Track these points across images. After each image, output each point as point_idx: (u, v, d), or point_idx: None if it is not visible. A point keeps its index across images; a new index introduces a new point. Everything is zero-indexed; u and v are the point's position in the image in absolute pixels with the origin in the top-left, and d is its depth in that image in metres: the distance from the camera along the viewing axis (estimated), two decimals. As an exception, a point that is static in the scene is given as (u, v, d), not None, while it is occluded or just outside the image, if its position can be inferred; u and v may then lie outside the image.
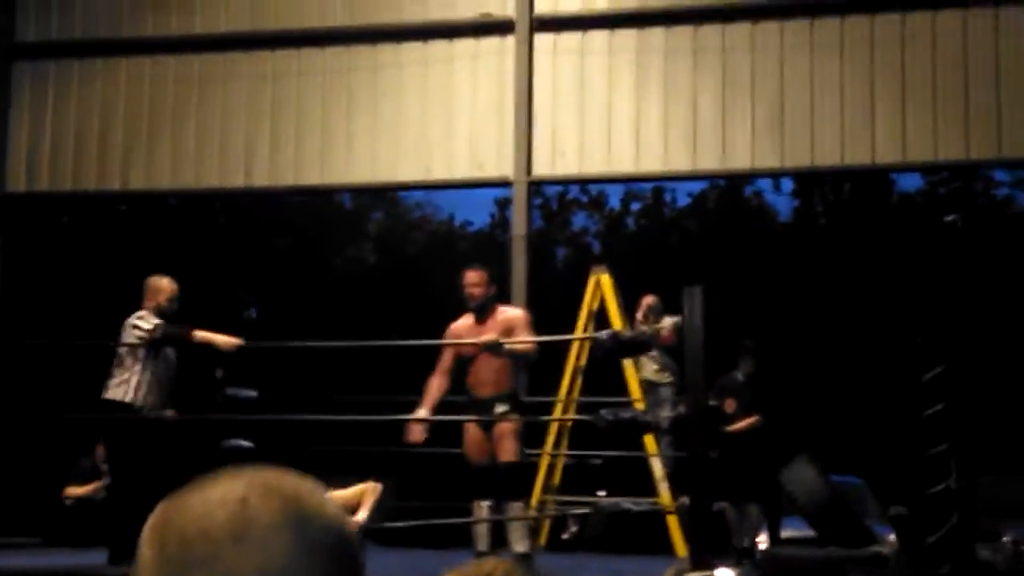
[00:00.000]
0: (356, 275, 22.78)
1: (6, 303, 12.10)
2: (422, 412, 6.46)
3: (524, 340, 6.42)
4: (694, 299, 5.93)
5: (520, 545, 6.39)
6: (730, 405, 8.89)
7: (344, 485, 6.86)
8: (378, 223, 23.88)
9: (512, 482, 6.44)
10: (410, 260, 22.15)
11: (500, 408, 6.40)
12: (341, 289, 21.24)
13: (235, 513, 0.95)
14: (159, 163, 11.83)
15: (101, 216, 18.46)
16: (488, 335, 6.38)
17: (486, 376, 6.43)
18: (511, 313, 6.61)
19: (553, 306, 12.56)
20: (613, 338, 6.35)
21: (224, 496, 0.96)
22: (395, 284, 20.87)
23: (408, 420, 6.51)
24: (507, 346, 6.34)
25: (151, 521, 0.99)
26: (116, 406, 6.70)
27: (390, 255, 23.16)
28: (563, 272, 20.36)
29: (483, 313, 6.50)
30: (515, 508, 6.42)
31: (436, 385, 6.55)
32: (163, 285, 7.00)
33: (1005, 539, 10.09)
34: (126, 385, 6.73)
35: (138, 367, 6.76)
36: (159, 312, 6.89)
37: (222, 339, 6.73)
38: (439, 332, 6.79)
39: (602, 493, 12.33)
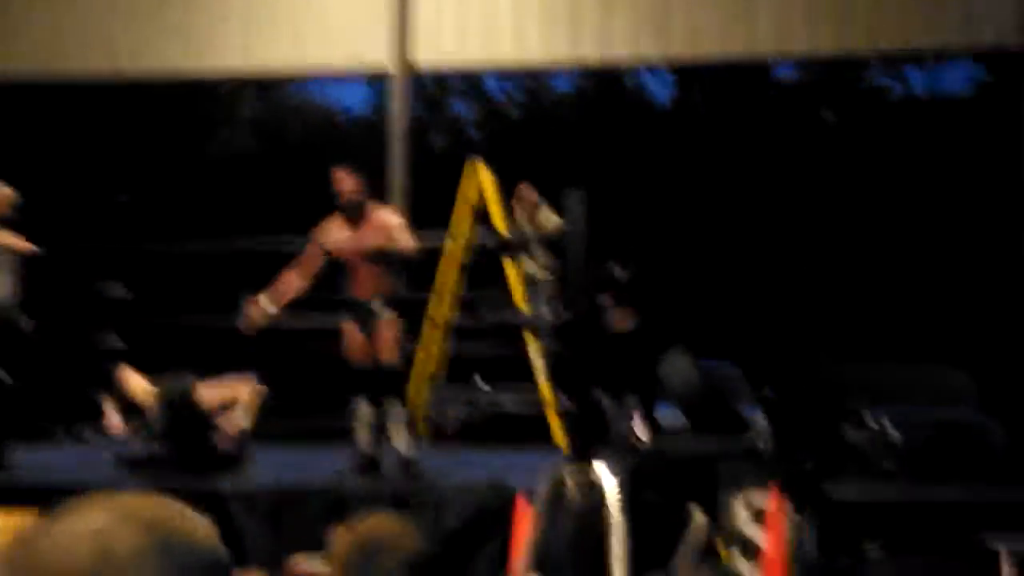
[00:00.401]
0: (230, 160, 22.27)
1: None
2: (270, 306, 6.36)
3: (404, 241, 6.37)
4: (575, 203, 5.91)
5: (402, 444, 6.42)
6: (609, 304, 8.95)
7: (220, 375, 6.79)
8: (254, 108, 23.28)
9: (391, 382, 6.45)
10: (287, 147, 21.70)
11: (380, 309, 6.37)
12: (216, 175, 20.76)
13: (96, 546, 0.89)
14: (19, 48, 11.28)
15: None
16: (368, 237, 6.31)
17: (366, 279, 6.37)
18: (386, 216, 6.52)
19: (431, 195, 12.47)
20: (494, 243, 6.32)
21: (83, 528, 0.90)
22: (271, 170, 20.46)
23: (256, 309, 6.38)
24: (388, 249, 6.29)
25: (9, 559, 0.92)
26: None
27: (267, 141, 22.65)
28: (441, 160, 20.18)
29: (356, 214, 6.40)
30: (395, 407, 6.44)
31: (292, 283, 6.45)
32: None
33: (869, 421, 10.49)
34: None
35: None
36: None
37: (20, 244, 6.71)
38: (314, 222, 6.68)
39: (480, 380, 12.42)
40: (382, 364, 6.38)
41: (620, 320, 8.77)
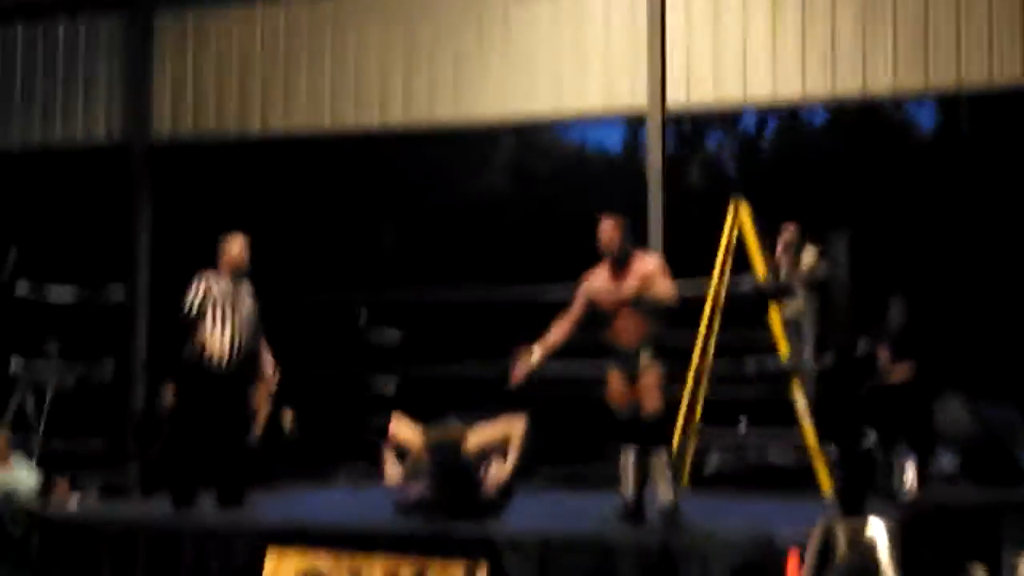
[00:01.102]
0: (487, 202, 22.86)
1: (157, 251, 12.48)
2: (536, 353, 6.50)
3: (663, 289, 6.41)
4: (839, 246, 5.81)
5: (665, 493, 6.43)
6: (883, 354, 8.60)
7: (488, 419, 6.97)
8: (509, 148, 23.84)
9: (656, 431, 6.47)
10: (542, 186, 22.10)
11: (643, 357, 6.42)
12: (473, 215, 21.35)
13: None
14: (296, 106, 12.03)
15: (242, 161, 18.84)
16: (627, 286, 6.39)
17: (628, 326, 6.44)
18: (647, 262, 6.58)
19: (689, 234, 12.42)
20: (757, 290, 6.26)
21: None
22: (528, 211, 20.88)
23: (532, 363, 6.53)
24: (647, 296, 6.34)
25: None
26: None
27: (523, 183, 23.13)
28: (698, 196, 20.08)
29: (619, 261, 6.49)
30: (659, 456, 6.45)
31: (560, 331, 6.58)
32: (231, 243, 7.31)
33: None
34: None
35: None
36: (229, 268, 7.24)
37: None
38: (574, 265, 6.82)
39: (743, 422, 12.22)
40: (646, 412, 6.41)
41: (898, 372, 8.41)
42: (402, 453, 7.06)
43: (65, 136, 12.73)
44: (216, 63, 12.28)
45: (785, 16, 10.69)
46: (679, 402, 9.40)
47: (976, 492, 7.90)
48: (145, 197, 12.48)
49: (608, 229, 6.51)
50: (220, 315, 7.14)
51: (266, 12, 12.19)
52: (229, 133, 12.31)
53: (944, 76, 10.34)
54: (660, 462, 6.44)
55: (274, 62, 12.13)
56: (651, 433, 6.43)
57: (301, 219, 19.09)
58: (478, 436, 6.82)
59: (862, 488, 6.14)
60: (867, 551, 5.44)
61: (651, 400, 6.40)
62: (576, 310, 6.61)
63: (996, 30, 10.18)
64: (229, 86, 12.23)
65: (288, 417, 9.51)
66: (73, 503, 9.24)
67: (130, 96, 12.46)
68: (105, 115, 12.58)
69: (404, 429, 6.99)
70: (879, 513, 5.89)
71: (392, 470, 7.04)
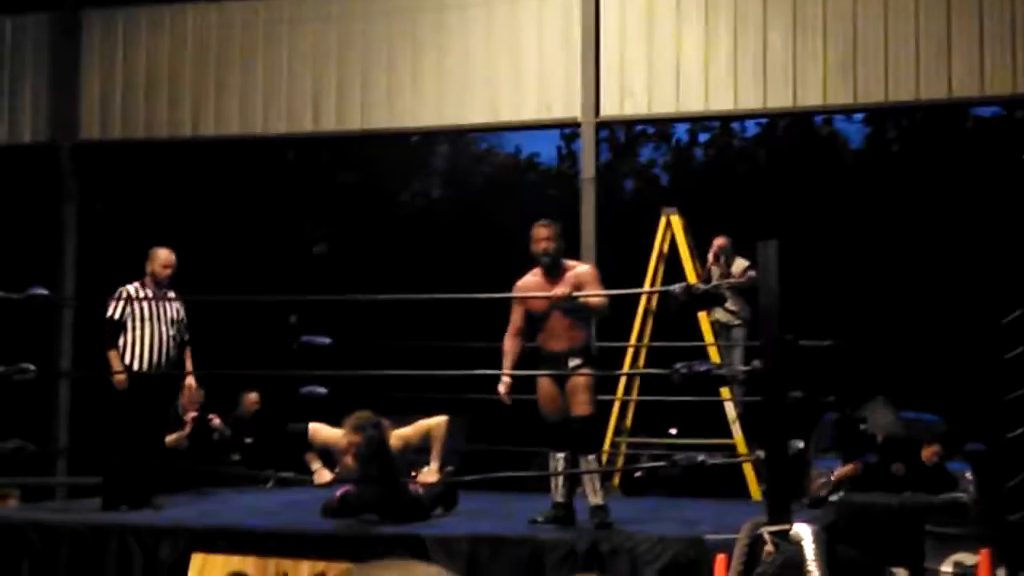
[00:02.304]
0: (422, 209, 22.85)
1: (83, 252, 12.30)
2: (505, 377, 6.53)
3: (596, 294, 6.42)
4: (769, 253, 5.86)
5: (595, 497, 6.45)
6: None
7: (408, 422, 6.98)
8: (444, 157, 23.86)
9: (585, 435, 6.48)
10: (477, 194, 22.14)
11: (573, 362, 6.42)
12: (408, 223, 21.33)
13: None
14: (227, 110, 11.91)
15: (169, 162, 18.64)
16: (559, 292, 6.38)
17: (558, 331, 6.45)
18: (581, 269, 6.59)
19: (621, 243, 12.52)
20: (687, 291, 6.30)
21: None
22: (462, 218, 20.89)
23: (488, 374, 6.56)
24: (580, 300, 6.35)
25: None
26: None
27: (456, 189, 23.16)
28: (631, 206, 20.23)
29: (554, 270, 6.51)
30: (588, 461, 6.47)
31: (511, 346, 6.60)
32: (158, 255, 7.38)
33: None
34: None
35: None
36: (154, 279, 7.33)
37: (118, 376, 7.17)
38: (506, 272, 6.82)
39: (674, 431, 12.35)
40: (574, 416, 6.42)
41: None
42: (329, 456, 7.03)
43: (-9, 135, 12.51)
44: (146, 63, 12.13)
45: (718, 30, 10.81)
46: (610, 408, 9.46)
47: (902, 497, 8.05)
48: (72, 197, 12.28)
49: (542, 234, 6.51)
50: (142, 324, 7.25)
51: (197, 12, 12.06)
52: (159, 135, 12.16)
53: (873, 91, 10.52)
54: (588, 466, 6.45)
55: (205, 63, 12.00)
56: (579, 438, 6.44)
57: (232, 221, 18.95)
58: (401, 433, 6.82)
59: (789, 491, 6.22)
60: (793, 552, 5.50)
61: (579, 405, 6.40)
62: (516, 320, 6.61)
63: (923, 47, 10.39)
64: (159, 87, 12.08)
65: (217, 422, 9.42)
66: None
67: (57, 96, 12.26)
68: (32, 115, 12.37)
69: (322, 431, 6.98)
70: (805, 515, 5.97)
71: (321, 473, 7.01)
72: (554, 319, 6.43)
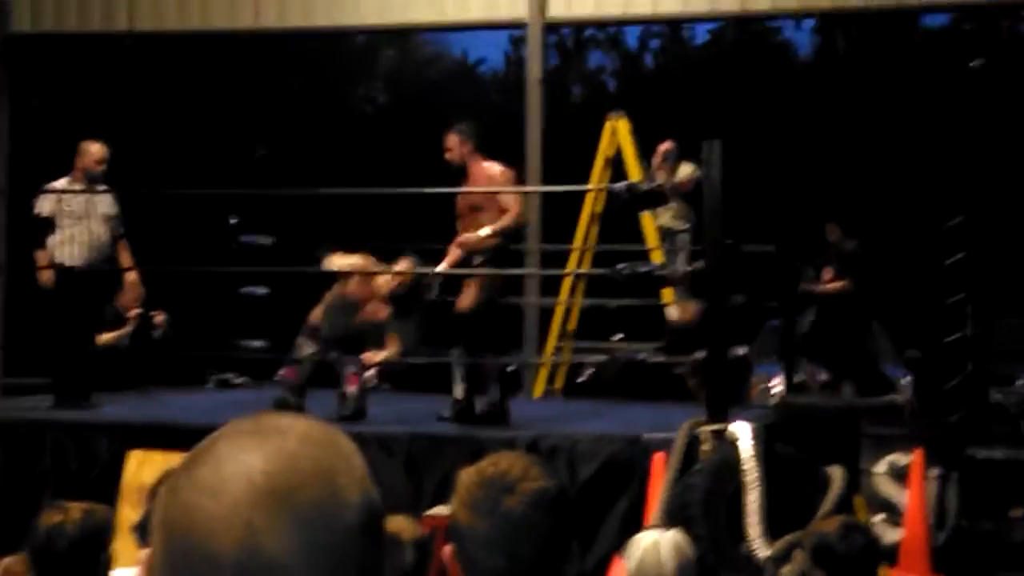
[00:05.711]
0: (367, 114, 22.53)
1: (16, 145, 11.98)
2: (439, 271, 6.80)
3: (504, 198, 6.54)
4: (713, 153, 5.83)
5: (456, 390, 6.48)
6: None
7: None
8: (390, 60, 23.47)
9: (461, 329, 6.55)
10: (423, 98, 21.84)
11: (476, 260, 6.58)
12: (352, 128, 21.03)
13: (241, 542, 0.87)
14: (165, 2, 11.55)
15: (106, 56, 18.13)
16: (467, 193, 6.57)
17: (469, 231, 6.60)
18: (491, 171, 6.67)
19: (569, 148, 12.39)
20: (629, 190, 6.26)
21: (234, 500, 0.87)
22: (408, 123, 20.62)
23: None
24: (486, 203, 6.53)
25: (161, 501, 0.91)
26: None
27: (402, 93, 22.83)
28: (579, 111, 20.06)
29: (461, 172, 6.65)
30: (453, 354, 6.54)
31: (455, 253, 6.76)
32: (89, 149, 7.19)
33: (1019, 382, 10.16)
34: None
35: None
36: (86, 175, 7.14)
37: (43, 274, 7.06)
38: (452, 177, 6.84)
39: (618, 337, 12.38)
40: (457, 309, 6.55)
41: (834, 285, 8.78)
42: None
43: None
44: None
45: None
46: (554, 311, 9.45)
47: (839, 399, 8.15)
48: (2, 91, 11.91)
49: (449, 142, 6.59)
50: (72, 221, 7.03)
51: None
52: (92, 27, 11.78)
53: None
54: (457, 360, 6.50)
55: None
56: (460, 331, 6.52)
57: (172, 121, 18.55)
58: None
59: (728, 393, 6.25)
60: (729, 451, 5.54)
61: (465, 298, 6.51)
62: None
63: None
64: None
65: (160, 319, 9.28)
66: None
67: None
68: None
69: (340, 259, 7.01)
70: (744, 416, 6.01)
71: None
72: (465, 220, 6.60)
